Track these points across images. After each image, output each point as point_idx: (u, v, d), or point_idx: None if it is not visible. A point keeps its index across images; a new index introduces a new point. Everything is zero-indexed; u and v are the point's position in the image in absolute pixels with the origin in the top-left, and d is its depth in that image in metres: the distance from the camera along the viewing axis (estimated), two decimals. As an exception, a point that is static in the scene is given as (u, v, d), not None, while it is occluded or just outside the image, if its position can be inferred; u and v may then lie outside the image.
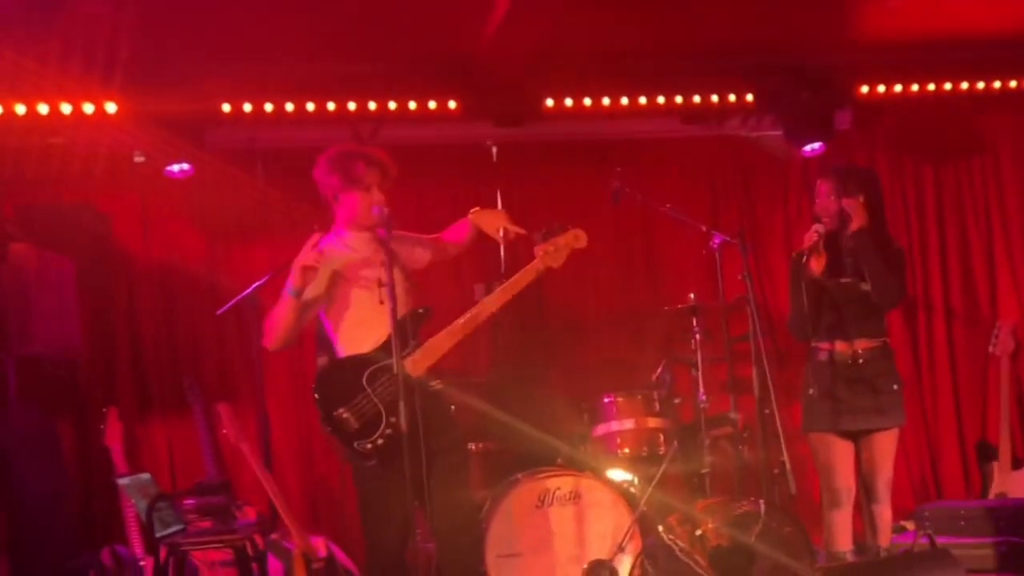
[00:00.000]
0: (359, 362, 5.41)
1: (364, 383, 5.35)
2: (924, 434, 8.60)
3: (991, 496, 8.07)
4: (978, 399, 8.63)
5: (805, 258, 6.02)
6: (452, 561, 5.54)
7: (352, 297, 5.50)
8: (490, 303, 5.59)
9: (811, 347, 6.22)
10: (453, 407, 6.10)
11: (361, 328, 5.45)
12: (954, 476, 8.58)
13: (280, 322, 5.47)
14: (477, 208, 5.80)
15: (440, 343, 5.47)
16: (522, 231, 5.72)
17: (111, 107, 7.15)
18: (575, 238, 5.71)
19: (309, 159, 5.75)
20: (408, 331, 5.37)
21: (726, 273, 6.40)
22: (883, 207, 6.29)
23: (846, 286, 6.10)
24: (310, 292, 5.42)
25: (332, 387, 5.40)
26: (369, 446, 5.32)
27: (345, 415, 5.32)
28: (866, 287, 6.07)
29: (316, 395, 5.40)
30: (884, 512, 6.20)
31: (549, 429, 7.08)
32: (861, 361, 6.06)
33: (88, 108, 7.13)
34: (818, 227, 6.05)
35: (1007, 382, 8.30)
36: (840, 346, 6.09)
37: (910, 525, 7.79)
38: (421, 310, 5.45)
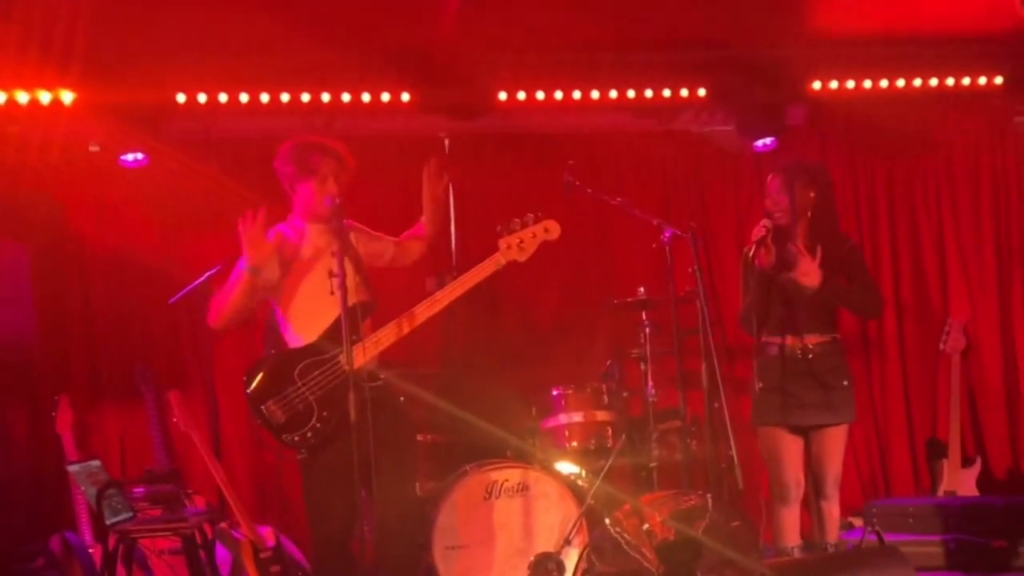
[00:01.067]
0: (293, 356, 5.44)
1: (295, 376, 5.37)
2: (873, 430, 8.61)
3: (940, 494, 8.11)
4: (928, 396, 8.64)
5: (753, 253, 6.01)
6: (394, 553, 5.53)
7: (302, 287, 5.51)
8: (443, 297, 5.56)
9: (761, 341, 6.20)
10: (402, 398, 6.11)
11: (310, 318, 5.47)
12: (903, 473, 8.59)
13: (229, 298, 5.46)
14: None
15: (386, 336, 5.48)
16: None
17: (67, 96, 7.18)
18: (546, 230, 5.63)
19: (263, 150, 5.79)
20: (356, 323, 5.34)
21: (677, 267, 6.36)
22: (834, 202, 6.32)
23: (789, 282, 6.06)
24: (264, 274, 5.41)
25: (263, 380, 5.42)
26: (297, 439, 5.37)
27: (272, 408, 5.34)
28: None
29: (246, 389, 5.42)
30: (832, 508, 6.19)
31: (499, 421, 7.05)
32: (811, 356, 6.05)
33: (45, 97, 7.15)
34: (765, 222, 6.06)
35: (957, 380, 8.32)
36: (790, 340, 6.07)
37: (858, 521, 7.82)
38: (365, 302, 5.43)
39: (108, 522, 5.54)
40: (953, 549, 7.08)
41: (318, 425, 5.33)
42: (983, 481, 8.23)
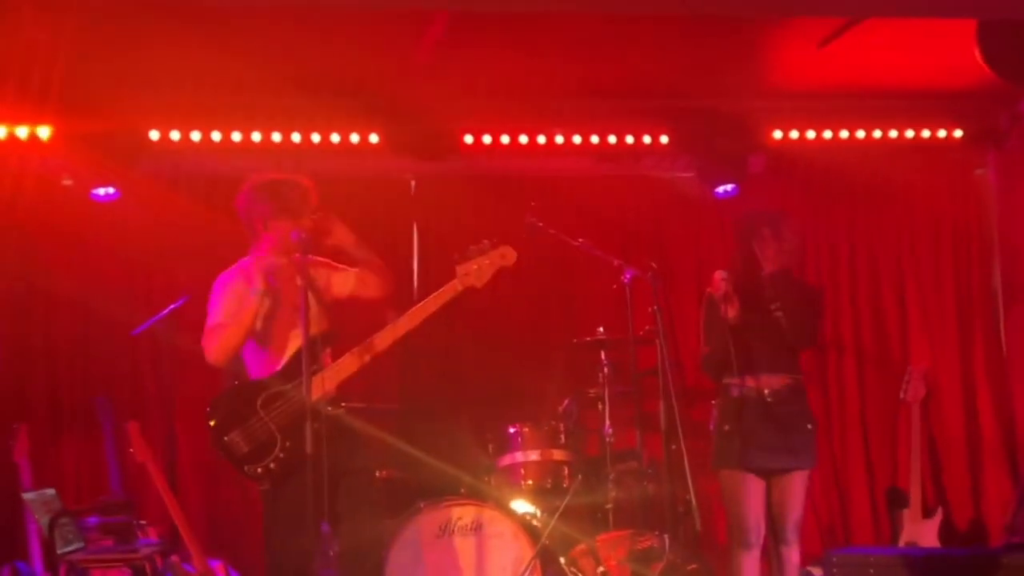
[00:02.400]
0: (256, 387, 5.47)
1: (258, 407, 5.41)
2: (833, 477, 8.57)
3: (901, 544, 8.03)
4: (889, 444, 8.63)
5: (722, 307, 6.04)
6: None
7: (266, 319, 5.54)
8: (402, 324, 5.61)
9: (723, 384, 6.22)
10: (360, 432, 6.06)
11: (273, 349, 5.53)
12: (863, 522, 8.55)
13: (238, 329, 5.48)
14: None
15: (346, 365, 5.53)
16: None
17: (44, 132, 7.29)
18: (502, 256, 5.68)
19: (233, 188, 5.86)
20: (316, 353, 5.39)
21: (636, 308, 6.36)
22: (791, 249, 6.38)
23: (756, 323, 6.12)
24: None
25: (225, 412, 5.46)
26: (260, 470, 5.40)
27: (236, 439, 5.38)
28: (778, 318, 6.14)
29: (209, 420, 5.45)
30: (792, 555, 6.19)
31: (455, 458, 7.02)
32: (773, 399, 6.07)
33: (22, 132, 7.28)
34: (723, 274, 6.09)
35: (918, 428, 8.26)
36: (751, 382, 6.09)
37: (817, 571, 7.57)
38: (327, 332, 5.49)
39: (59, 551, 5.57)
40: None
41: (281, 455, 5.37)
42: (945, 532, 8.14)
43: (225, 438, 5.40)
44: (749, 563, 6.12)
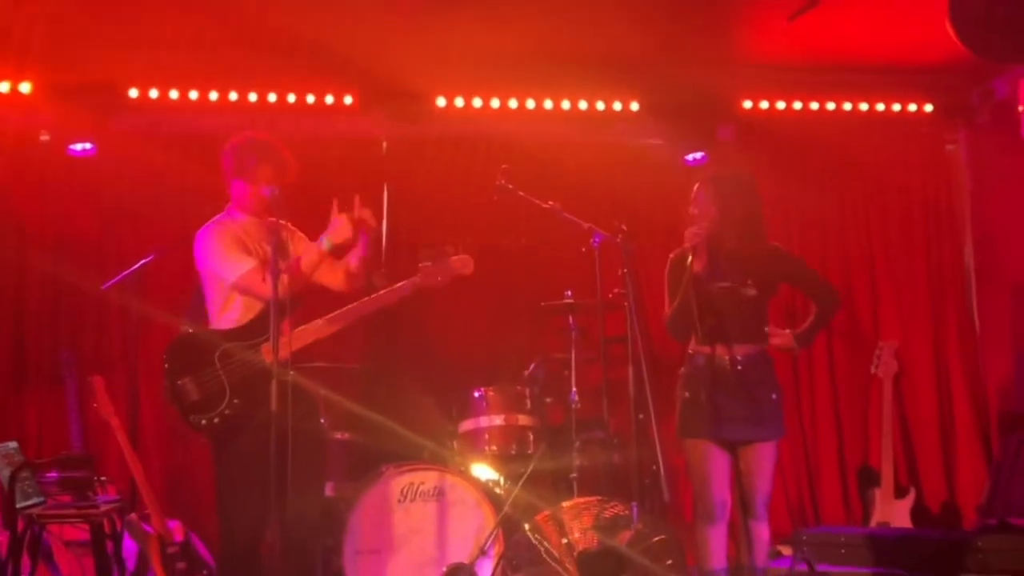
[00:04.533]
0: (215, 338, 5.50)
1: (215, 358, 5.43)
2: (803, 455, 8.54)
3: (873, 524, 7.99)
4: (860, 422, 8.62)
5: (689, 259, 5.86)
6: (296, 551, 5.50)
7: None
8: (365, 304, 5.68)
9: (688, 352, 6.04)
10: (321, 393, 6.02)
11: (238, 305, 5.54)
12: (833, 501, 8.52)
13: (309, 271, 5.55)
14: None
15: (306, 334, 5.57)
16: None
17: (25, 87, 7.39)
18: (462, 264, 5.82)
19: (207, 146, 5.89)
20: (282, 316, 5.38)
21: (605, 273, 6.28)
22: (762, 213, 6.16)
23: (725, 290, 5.93)
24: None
25: (182, 356, 5.50)
26: (204, 421, 5.42)
27: (188, 385, 5.41)
28: (747, 292, 5.94)
29: (165, 363, 5.50)
30: (761, 530, 5.97)
31: (417, 421, 6.98)
32: (740, 368, 5.86)
33: (3, 87, 7.38)
34: (697, 229, 5.88)
35: (889, 406, 8.25)
36: (719, 351, 5.90)
37: (787, 550, 7.53)
38: (292, 298, 5.47)
39: (18, 505, 5.51)
40: None
41: (227, 411, 5.40)
42: (917, 513, 8.14)
43: (178, 382, 5.43)
44: (715, 538, 5.89)
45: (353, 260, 5.70)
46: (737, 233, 6.03)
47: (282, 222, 5.54)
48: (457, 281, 5.87)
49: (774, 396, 5.94)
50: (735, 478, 5.99)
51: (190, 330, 5.69)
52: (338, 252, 5.62)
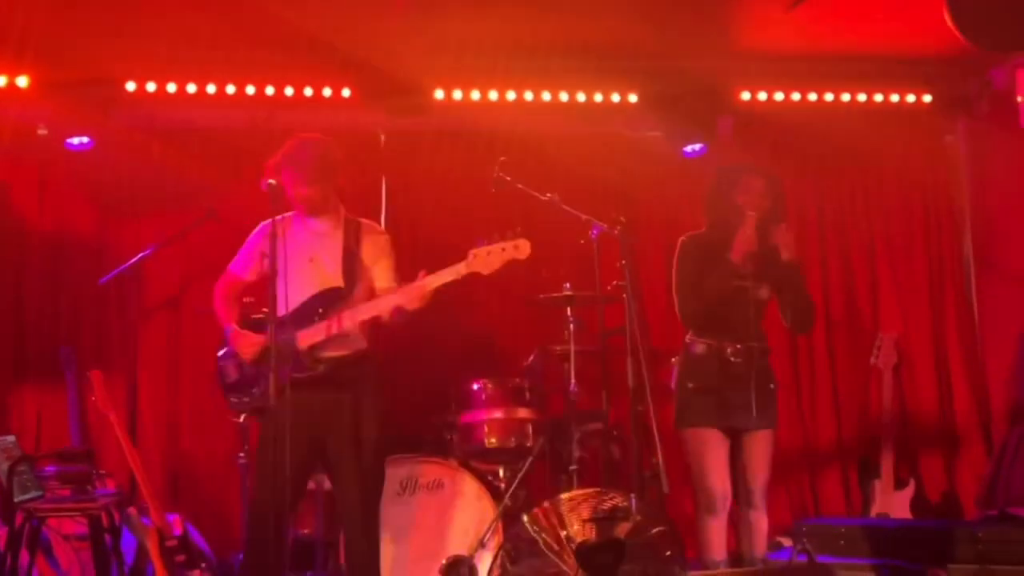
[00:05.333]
0: (261, 325, 5.63)
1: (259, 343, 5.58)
2: (803, 446, 8.53)
3: (873, 515, 7.98)
4: (860, 413, 8.62)
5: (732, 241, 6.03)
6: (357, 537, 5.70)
7: (292, 267, 5.56)
8: (398, 296, 5.63)
9: (687, 341, 6.18)
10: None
11: (291, 293, 5.51)
12: (834, 492, 8.52)
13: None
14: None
15: (328, 327, 5.60)
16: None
17: (23, 81, 7.38)
18: (516, 248, 5.62)
19: (205, 139, 5.90)
20: (315, 306, 5.58)
21: (603, 265, 6.25)
22: (784, 218, 6.35)
23: (742, 289, 6.07)
24: None
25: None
26: (235, 400, 5.67)
27: (229, 366, 5.67)
28: (761, 294, 6.11)
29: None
30: (760, 520, 6.10)
31: (417, 414, 7.03)
32: (741, 358, 6.01)
33: (0, 81, 7.37)
34: (752, 214, 6.07)
35: (889, 397, 8.24)
36: (721, 342, 6.05)
37: (787, 541, 7.59)
38: (335, 288, 5.60)
39: (16, 499, 5.49)
40: (885, 575, 6.83)
41: (255, 392, 5.61)
42: (917, 504, 8.14)
43: (222, 363, 5.69)
44: (716, 529, 6.01)
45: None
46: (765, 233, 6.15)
47: (382, 233, 5.94)
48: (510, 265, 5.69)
49: (772, 386, 6.11)
50: (734, 469, 6.08)
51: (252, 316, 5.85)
52: None
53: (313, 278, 5.66)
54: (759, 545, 6.12)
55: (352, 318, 5.61)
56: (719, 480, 5.99)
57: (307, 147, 5.73)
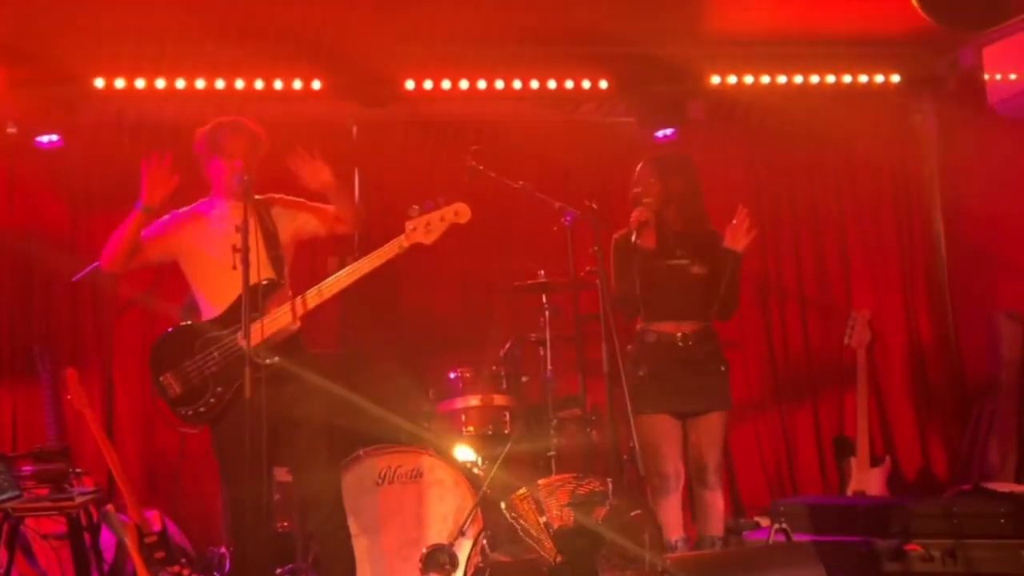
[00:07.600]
0: (195, 331, 5.51)
1: (195, 350, 5.46)
2: (779, 426, 8.60)
3: (849, 493, 8.01)
4: (835, 392, 8.67)
5: (635, 236, 6.04)
6: (321, 531, 5.67)
7: (210, 262, 5.57)
8: (344, 278, 5.58)
9: (639, 328, 6.27)
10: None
11: (217, 293, 5.54)
12: (811, 471, 8.57)
13: (119, 236, 5.58)
14: None
15: (283, 315, 5.52)
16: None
17: (-8, 80, 7.30)
18: (455, 213, 5.59)
19: (175, 134, 5.87)
20: (256, 301, 5.37)
21: (577, 251, 6.33)
22: (701, 194, 6.41)
23: (675, 268, 6.16)
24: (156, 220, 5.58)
25: (163, 353, 5.53)
26: (190, 413, 5.47)
27: (170, 380, 5.46)
28: (696, 270, 6.17)
29: (150, 359, 5.55)
30: (715, 499, 6.19)
31: (394, 404, 6.92)
32: (690, 343, 6.11)
33: (-30, 80, 7.28)
34: (646, 206, 6.15)
35: (863, 375, 8.19)
36: (668, 327, 6.14)
37: (764, 521, 7.59)
38: (266, 281, 5.44)
39: None
40: (864, 551, 6.68)
41: (212, 400, 5.43)
42: (893, 481, 8.17)
43: (160, 379, 5.48)
44: (671, 509, 6.09)
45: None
46: (680, 212, 6.29)
47: (275, 198, 5.68)
48: (453, 230, 5.65)
49: (722, 368, 6.21)
50: (687, 450, 6.18)
51: (169, 329, 5.67)
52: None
53: (240, 270, 5.38)
54: (715, 524, 6.20)
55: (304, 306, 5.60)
56: (672, 463, 6.11)
57: (231, 129, 5.69)
